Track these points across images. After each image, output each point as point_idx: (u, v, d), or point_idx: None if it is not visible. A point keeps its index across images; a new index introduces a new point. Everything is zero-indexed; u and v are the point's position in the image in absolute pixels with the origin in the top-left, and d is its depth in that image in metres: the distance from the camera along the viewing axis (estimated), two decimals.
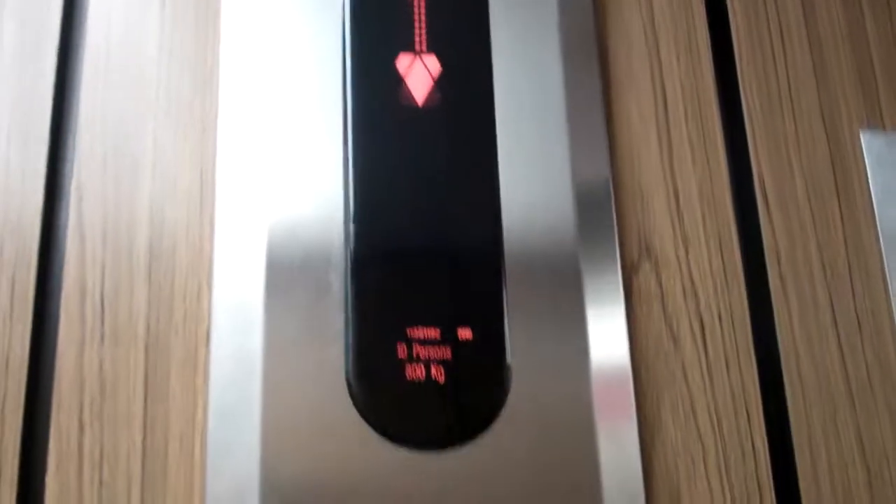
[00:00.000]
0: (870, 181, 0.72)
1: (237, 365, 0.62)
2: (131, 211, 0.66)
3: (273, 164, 0.65)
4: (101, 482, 0.61)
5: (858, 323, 0.69)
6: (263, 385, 0.61)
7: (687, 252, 0.69)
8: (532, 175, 0.67)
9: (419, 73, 0.68)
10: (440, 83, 0.68)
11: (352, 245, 0.64)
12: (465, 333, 0.63)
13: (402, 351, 0.62)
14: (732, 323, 0.68)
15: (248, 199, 0.65)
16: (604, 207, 0.68)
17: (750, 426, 0.66)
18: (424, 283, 0.64)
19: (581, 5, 0.73)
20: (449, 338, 0.63)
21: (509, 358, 0.63)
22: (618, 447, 0.63)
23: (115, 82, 0.68)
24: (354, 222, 0.64)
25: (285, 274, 0.63)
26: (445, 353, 0.62)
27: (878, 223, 0.71)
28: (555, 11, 0.71)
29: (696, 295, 0.68)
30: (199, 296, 0.65)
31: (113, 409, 0.62)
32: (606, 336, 0.65)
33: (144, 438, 0.62)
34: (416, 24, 0.69)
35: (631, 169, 0.70)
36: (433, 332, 0.63)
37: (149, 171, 0.67)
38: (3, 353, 0.62)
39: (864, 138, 0.72)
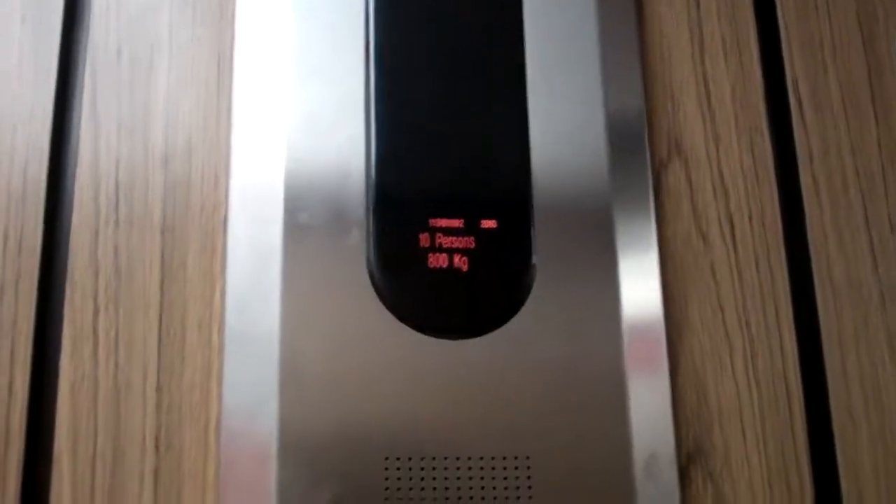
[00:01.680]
0: None
1: (255, 253, 0.60)
2: (146, 99, 0.64)
3: (294, 49, 0.64)
4: (116, 365, 0.59)
5: (891, 225, 0.67)
6: (283, 273, 0.60)
7: (718, 150, 0.67)
8: (561, 74, 0.65)
9: None
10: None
11: (374, 133, 0.62)
12: (488, 224, 0.61)
13: (424, 240, 0.61)
14: (763, 222, 0.66)
15: (268, 84, 0.64)
16: (635, 107, 0.66)
17: (779, 326, 0.64)
18: (448, 174, 0.63)
19: None
20: (472, 227, 0.61)
21: (534, 252, 0.61)
22: (644, 345, 0.61)
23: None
24: (378, 107, 0.63)
25: (306, 162, 0.62)
26: (469, 242, 0.61)
27: None
28: None
29: (726, 193, 0.66)
30: (216, 184, 0.63)
31: (129, 292, 0.61)
32: (635, 237, 0.63)
33: (160, 323, 0.60)
34: None
35: (662, 69, 0.69)
36: (456, 223, 0.61)
37: (165, 59, 0.65)
38: (16, 237, 0.61)
39: None
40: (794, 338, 0.64)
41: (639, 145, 0.66)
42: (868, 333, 0.65)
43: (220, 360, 0.60)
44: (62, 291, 0.61)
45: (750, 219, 0.66)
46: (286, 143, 0.62)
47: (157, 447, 0.59)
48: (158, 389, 0.59)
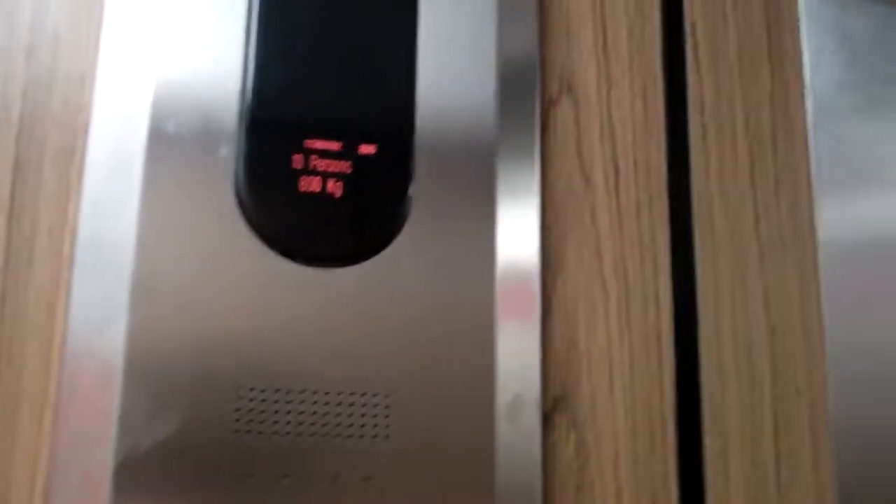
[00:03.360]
0: (803, 42, 0.69)
1: (117, 160, 0.57)
2: None
3: None
4: None
5: (776, 182, 0.66)
6: (143, 183, 0.56)
7: (609, 92, 0.65)
8: (454, 4, 0.63)
9: None
10: None
11: (254, 45, 0.59)
12: (367, 149, 0.59)
13: (297, 161, 0.58)
14: (648, 169, 0.65)
15: None
16: (527, 42, 0.64)
17: (656, 275, 0.63)
18: (329, 95, 0.59)
19: None
20: (350, 152, 0.58)
21: (412, 183, 0.59)
22: (517, 285, 0.60)
23: None
24: (260, 18, 0.59)
25: (179, 69, 0.58)
26: (344, 167, 0.58)
27: (806, 84, 0.68)
28: None
29: (613, 137, 0.65)
30: (81, 84, 0.59)
31: None
32: (516, 174, 0.61)
33: (9, 227, 0.56)
34: None
35: (560, 7, 0.66)
36: (334, 146, 0.58)
37: None
38: None
39: None
40: (669, 289, 0.63)
41: (529, 83, 0.63)
42: (745, 289, 0.64)
43: (69, 272, 0.56)
44: None
45: (635, 165, 0.64)
46: (159, 47, 0.58)
47: None
48: (2, 299, 0.56)
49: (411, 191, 0.59)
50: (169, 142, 0.57)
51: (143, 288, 0.55)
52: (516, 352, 0.59)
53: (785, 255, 0.65)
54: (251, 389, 0.55)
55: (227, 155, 0.57)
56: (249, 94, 0.58)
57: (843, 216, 0.66)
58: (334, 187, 0.58)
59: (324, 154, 0.58)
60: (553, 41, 0.65)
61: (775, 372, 0.63)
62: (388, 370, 0.57)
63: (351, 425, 0.55)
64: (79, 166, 0.57)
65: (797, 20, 0.69)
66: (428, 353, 0.57)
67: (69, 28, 0.59)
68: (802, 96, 0.68)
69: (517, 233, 0.60)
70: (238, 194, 0.57)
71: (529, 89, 0.63)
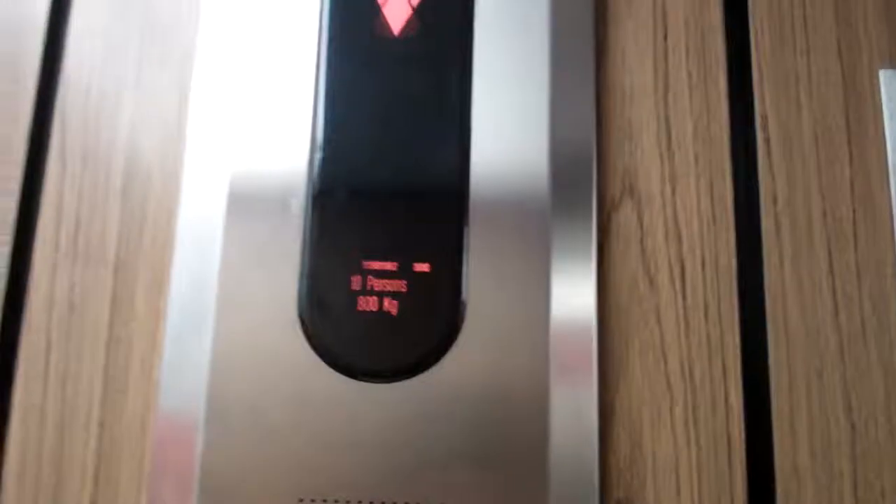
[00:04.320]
0: (885, 125, 0.66)
1: (194, 290, 0.62)
2: (111, 134, 0.67)
3: (245, 95, 0.65)
4: (63, 400, 0.62)
5: (857, 271, 0.63)
6: (217, 310, 0.61)
7: (674, 191, 0.65)
8: (508, 112, 0.65)
9: (398, 2, 0.66)
10: (419, 12, 0.66)
11: (315, 175, 0.63)
12: (421, 267, 0.61)
13: (356, 283, 0.61)
14: (716, 267, 0.64)
15: (220, 126, 0.65)
16: (584, 145, 0.65)
17: (725, 377, 0.62)
18: (385, 217, 0.63)
19: None
20: (405, 271, 0.61)
21: (464, 293, 0.61)
22: (573, 388, 0.60)
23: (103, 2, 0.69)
24: (320, 152, 0.64)
25: (246, 202, 0.63)
26: (400, 285, 0.61)
27: (890, 170, 0.65)
28: None
29: (678, 237, 0.64)
30: (168, 221, 0.65)
31: (80, 328, 0.63)
32: (572, 276, 0.62)
33: (107, 358, 0.63)
34: None
35: (622, 104, 0.67)
36: (389, 266, 0.61)
37: (131, 96, 0.68)
38: None
39: (884, 78, 0.67)
40: (740, 392, 0.61)
41: (586, 183, 0.64)
42: (822, 385, 0.61)
43: (157, 395, 0.62)
44: (20, 328, 0.64)
45: (703, 264, 0.64)
46: (230, 180, 0.64)
47: (96, 481, 0.61)
48: (101, 425, 0.62)
49: (464, 298, 0.61)
50: (238, 272, 0.62)
51: (217, 406, 0.59)
52: (574, 457, 0.59)
53: (867, 348, 0.62)
54: (312, 501, 0.58)
55: (290, 279, 0.61)
56: (310, 222, 0.62)
57: None
58: (390, 305, 0.61)
59: (380, 274, 0.61)
60: (612, 141, 0.66)
61: (857, 473, 0.60)
62: (443, 480, 0.58)
63: None
64: (165, 297, 0.63)
65: (879, 103, 0.66)
66: (483, 461, 0.59)
67: (158, 171, 0.66)
68: (886, 181, 0.65)
69: (574, 337, 0.61)
70: (301, 315, 0.61)
71: (586, 187, 0.64)
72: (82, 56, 0.69)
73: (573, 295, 0.62)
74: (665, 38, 0.68)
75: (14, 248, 0.65)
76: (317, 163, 0.63)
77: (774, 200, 0.65)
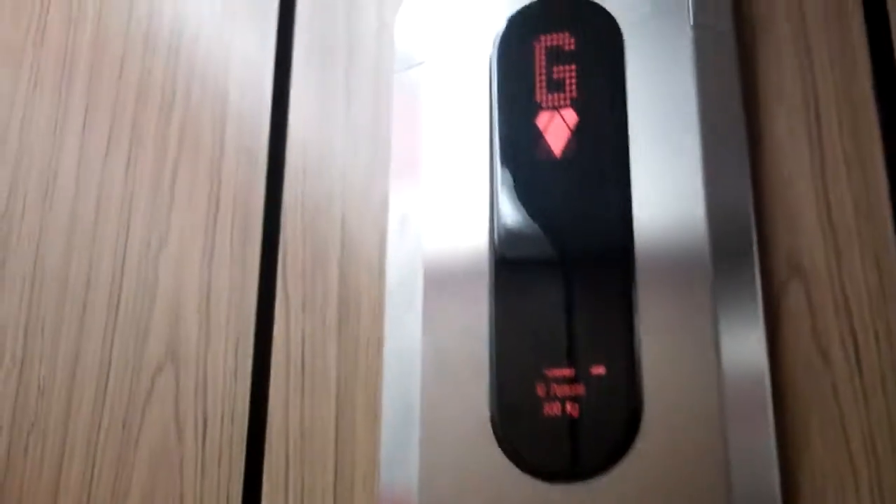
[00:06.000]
0: None
1: (400, 412, 0.70)
2: (325, 279, 0.77)
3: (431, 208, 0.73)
4: None
5: None
6: (421, 429, 0.69)
7: (840, 266, 0.66)
8: (666, 206, 0.69)
9: (557, 127, 0.72)
10: (577, 133, 0.72)
11: (493, 293, 0.70)
12: (597, 370, 0.66)
13: (540, 390, 0.67)
14: (890, 338, 0.64)
15: (412, 250, 0.73)
16: (743, 230, 0.68)
17: None
18: (560, 327, 0.68)
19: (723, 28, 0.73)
20: (582, 375, 0.66)
21: (642, 392, 0.65)
22: (753, 477, 0.63)
23: (313, 170, 0.80)
24: (496, 269, 0.70)
25: (437, 320, 0.71)
26: (579, 389, 0.66)
27: None
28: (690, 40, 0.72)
29: (848, 310, 0.66)
30: (378, 351, 0.74)
31: (311, 452, 0.73)
32: (743, 359, 0.65)
33: (336, 478, 0.72)
34: (566, 83, 0.73)
35: (781, 188, 0.69)
36: (568, 372, 0.67)
37: (338, 243, 0.77)
38: (230, 407, 0.75)
39: None
40: None
41: (749, 266, 0.67)
42: None
43: None
44: (262, 452, 0.74)
45: (876, 336, 0.65)
46: (423, 300, 0.71)
47: None
48: None
49: (642, 398, 0.65)
50: (435, 390, 0.69)
51: None
52: None
53: None
54: None
55: (481, 393, 0.68)
56: (496, 337, 0.69)
57: None
58: (572, 409, 0.66)
59: (561, 380, 0.66)
60: (775, 222, 0.68)
61: None
62: None
63: None
64: (379, 421, 0.71)
65: None
66: None
67: (366, 308, 0.75)
68: None
69: (751, 426, 0.64)
70: (492, 419, 0.67)
71: (749, 276, 0.67)
72: (296, 211, 0.79)
73: (746, 375, 0.64)
74: (818, 118, 0.70)
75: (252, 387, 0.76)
76: (494, 281, 0.70)
77: None
